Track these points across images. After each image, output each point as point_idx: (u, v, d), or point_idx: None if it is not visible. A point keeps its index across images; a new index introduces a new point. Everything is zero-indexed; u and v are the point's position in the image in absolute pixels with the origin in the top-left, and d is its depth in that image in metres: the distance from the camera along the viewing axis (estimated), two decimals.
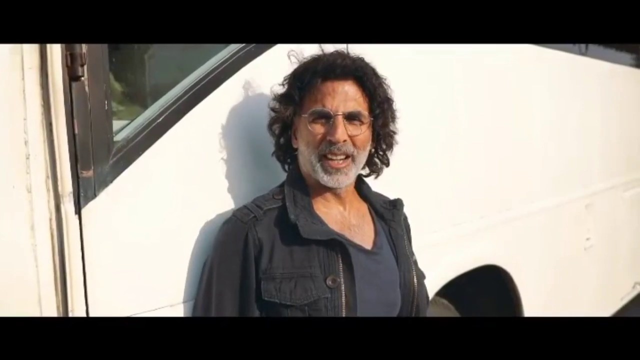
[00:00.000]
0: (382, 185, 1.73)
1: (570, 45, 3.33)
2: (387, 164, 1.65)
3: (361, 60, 1.52)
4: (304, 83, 1.49)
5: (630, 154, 4.34)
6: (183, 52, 1.74)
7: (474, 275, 2.54)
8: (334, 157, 1.48)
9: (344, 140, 1.47)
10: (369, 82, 1.51)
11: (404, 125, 1.67)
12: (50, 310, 1.27)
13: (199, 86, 1.52)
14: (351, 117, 1.49)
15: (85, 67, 1.28)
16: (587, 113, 3.60)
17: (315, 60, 1.51)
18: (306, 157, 1.52)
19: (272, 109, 1.57)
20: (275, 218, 1.49)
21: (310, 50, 1.56)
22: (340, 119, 1.47)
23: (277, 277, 1.44)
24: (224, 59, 1.58)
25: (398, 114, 1.61)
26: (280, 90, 1.56)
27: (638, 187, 4.45)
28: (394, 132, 1.62)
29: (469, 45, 2.37)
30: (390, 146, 1.62)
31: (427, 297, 1.69)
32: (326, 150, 1.48)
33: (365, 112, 1.51)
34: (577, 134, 3.48)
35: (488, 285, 2.80)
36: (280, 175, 1.63)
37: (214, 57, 1.59)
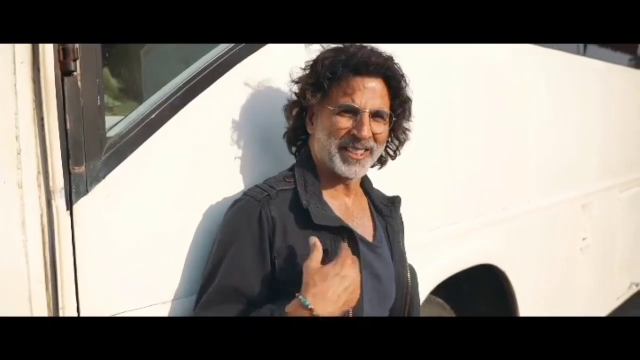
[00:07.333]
0: (379, 183, 1.73)
1: (568, 45, 3.33)
2: (394, 158, 1.69)
3: (392, 59, 1.55)
4: (336, 75, 1.50)
5: (627, 154, 4.33)
6: (178, 48, 1.73)
7: (470, 275, 2.53)
8: (355, 151, 1.51)
9: (369, 137, 1.50)
10: (396, 82, 1.54)
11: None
12: (40, 307, 1.25)
13: (193, 83, 1.51)
14: (376, 115, 1.52)
15: (78, 62, 1.27)
16: (585, 113, 3.59)
17: (347, 54, 1.51)
18: (324, 145, 1.53)
19: (296, 94, 1.57)
20: (288, 200, 1.50)
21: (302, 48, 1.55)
22: (367, 116, 1.50)
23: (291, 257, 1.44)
24: (219, 55, 1.57)
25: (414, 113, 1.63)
26: (300, 75, 1.56)
27: (635, 187, 4.45)
28: (409, 130, 1.65)
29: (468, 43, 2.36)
30: (403, 142, 1.66)
31: (418, 293, 1.71)
32: (349, 143, 1.50)
33: (389, 111, 1.54)
34: (575, 134, 3.47)
35: (484, 285, 2.80)
36: (275, 170, 1.62)
37: (209, 54, 1.57)
